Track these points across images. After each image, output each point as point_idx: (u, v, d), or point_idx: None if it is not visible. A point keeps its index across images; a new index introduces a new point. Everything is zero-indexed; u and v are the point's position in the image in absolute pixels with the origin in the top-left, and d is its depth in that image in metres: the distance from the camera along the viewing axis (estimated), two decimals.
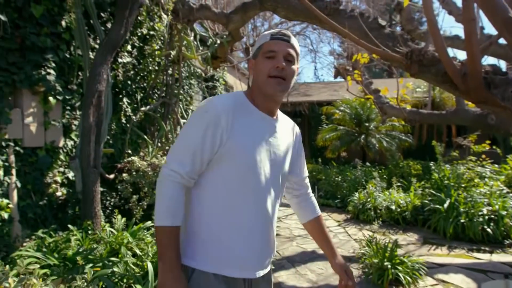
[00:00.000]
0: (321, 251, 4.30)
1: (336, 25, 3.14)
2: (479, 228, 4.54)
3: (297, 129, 1.44)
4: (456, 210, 4.85)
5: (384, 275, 3.29)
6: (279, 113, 1.34)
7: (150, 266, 2.48)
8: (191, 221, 1.19)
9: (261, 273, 1.23)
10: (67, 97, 3.83)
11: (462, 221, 4.68)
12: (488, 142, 7.42)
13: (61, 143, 3.81)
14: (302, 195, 1.51)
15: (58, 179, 3.74)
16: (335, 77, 9.69)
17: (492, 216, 4.66)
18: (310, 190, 1.54)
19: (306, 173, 1.52)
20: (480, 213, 4.67)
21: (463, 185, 5.67)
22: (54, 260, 2.31)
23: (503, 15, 2.00)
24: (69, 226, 3.13)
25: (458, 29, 24.03)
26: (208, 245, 1.15)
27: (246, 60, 13.42)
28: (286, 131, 1.34)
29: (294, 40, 1.24)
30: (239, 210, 1.16)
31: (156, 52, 5.51)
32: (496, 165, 6.72)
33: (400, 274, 3.26)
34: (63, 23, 3.77)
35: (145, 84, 5.44)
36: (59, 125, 3.76)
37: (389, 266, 3.28)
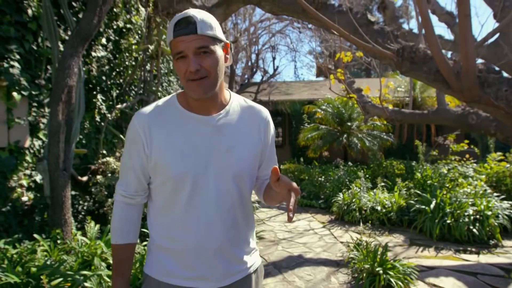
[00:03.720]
0: (308, 256, 4.15)
1: (326, 20, 2.97)
2: (465, 229, 4.50)
3: (262, 117, 1.22)
4: (442, 210, 4.81)
5: (375, 281, 3.16)
6: (236, 103, 1.18)
7: None
8: (150, 231, 1.22)
9: (218, 284, 1.13)
10: (34, 92, 3.50)
11: (448, 221, 4.63)
12: (466, 141, 7.50)
13: (27, 143, 3.48)
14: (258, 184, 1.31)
15: (24, 182, 3.41)
16: (317, 75, 9.63)
17: (478, 216, 4.64)
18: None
19: (268, 170, 1.26)
20: (465, 213, 4.64)
21: (446, 185, 5.66)
22: (15, 278, 2.03)
23: None
24: (35, 235, 2.82)
25: (440, 29, 24.70)
26: (159, 254, 1.16)
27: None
28: (238, 123, 1.16)
29: (202, 23, 1.00)
30: (177, 221, 1.12)
31: (133, 47, 5.21)
32: (475, 164, 6.78)
33: (392, 280, 3.14)
34: (30, 11, 3.44)
35: (121, 80, 5.13)
36: (24, 123, 3.42)
37: (381, 272, 3.15)
